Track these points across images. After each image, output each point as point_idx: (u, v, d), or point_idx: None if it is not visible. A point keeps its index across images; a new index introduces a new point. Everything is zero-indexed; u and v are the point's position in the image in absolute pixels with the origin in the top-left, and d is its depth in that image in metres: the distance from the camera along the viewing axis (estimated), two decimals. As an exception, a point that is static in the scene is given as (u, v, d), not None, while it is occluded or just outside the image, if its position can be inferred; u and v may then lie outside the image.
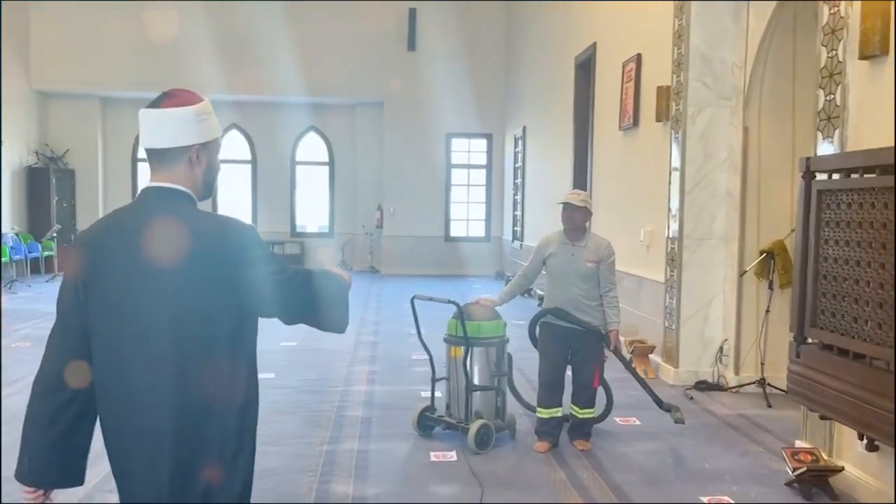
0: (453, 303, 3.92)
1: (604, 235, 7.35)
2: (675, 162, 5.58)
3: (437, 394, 4.24)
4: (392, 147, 13.44)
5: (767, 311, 5.10)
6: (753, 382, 5.12)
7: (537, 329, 4.10)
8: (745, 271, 5.13)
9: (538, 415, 4.05)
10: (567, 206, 3.96)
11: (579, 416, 4.04)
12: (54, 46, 12.68)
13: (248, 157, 14.19)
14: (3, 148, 11.32)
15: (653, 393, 3.99)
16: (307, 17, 12.84)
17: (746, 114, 5.21)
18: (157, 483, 1.57)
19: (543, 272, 4.15)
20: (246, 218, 14.00)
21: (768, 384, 5.05)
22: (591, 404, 4.05)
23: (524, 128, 11.59)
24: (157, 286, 1.57)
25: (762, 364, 5.11)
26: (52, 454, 1.60)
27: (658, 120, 5.86)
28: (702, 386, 5.31)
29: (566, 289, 3.95)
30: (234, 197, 14.12)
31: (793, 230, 5.06)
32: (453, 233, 13.75)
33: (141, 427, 1.57)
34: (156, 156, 1.67)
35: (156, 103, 1.67)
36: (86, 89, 12.95)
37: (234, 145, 14.12)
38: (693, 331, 5.52)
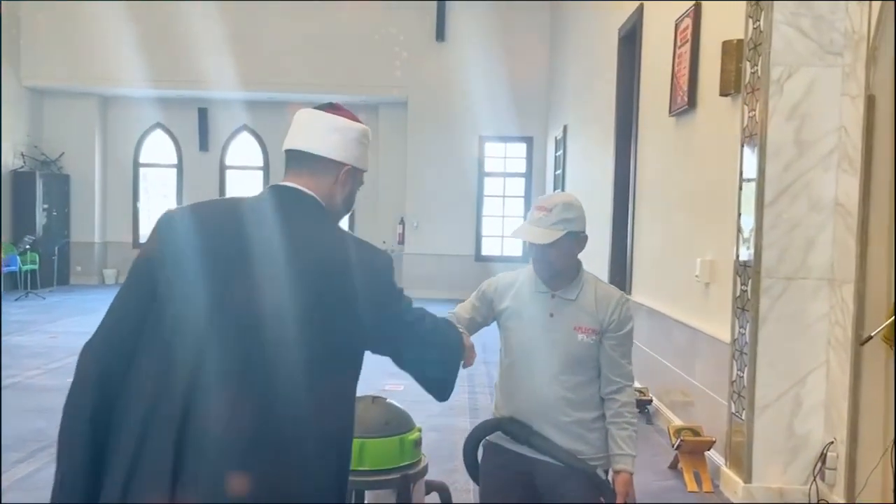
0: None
1: (645, 265, 5.43)
2: (750, 156, 3.58)
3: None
4: (416, 152, 11.68)
5: (908, 403, 3.04)
6: (881, 522, 3.07)
7: (479, 452, 2.20)
8: (870, 336, 3.07)
9: None
10: (531, 242, 2.04)
11: None
12: (48, 38, 11.48)
13: (260, 162, 12.69)
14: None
15: None
16: (322, 2, 11.27)
17: (872, 75, 3.19)
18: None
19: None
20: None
21: (908, 528, 2.99)
22: None
23: (565, 127, 9.64)
24: (267, 295, 1.35)
25: (897, 493, 3.05)
26: None
27: (724, 93, 3.87)
28: (790, 518, 3.29)
29: (536, 381, 2.04)
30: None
31: (956, 269, 3.00)
32: (485, 251, 11.83)
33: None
34: (302, 162, 1.50)
35: (318, 107, 1.54)
36: (83, 86, 11.70)
37: (244, 150, 12.70)
38: (776, 423, 3.48)
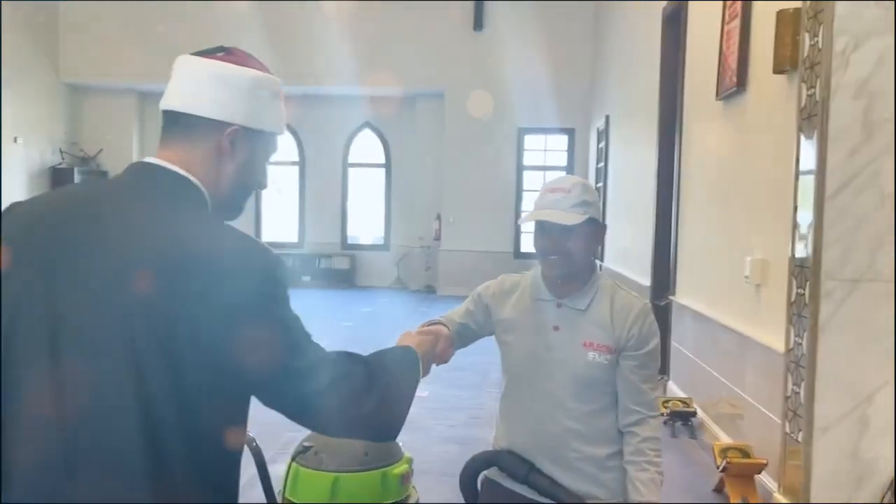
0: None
1: (690, 263, 5.00)
2: (809, 141, 3.13)
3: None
4: (453, 145, 11.36)
5: None
6: (966, 569, 2.61)
7: (478, 485, 1.85)
8: (954, 351, 2.61)
9: None
10: (545, 230, 1.71)
11: None
12: (86, 35, 11.51)
13: (296, 157, 12.54)
14: (17, 144, 10.31)
15: None
16: (358, -6, 11.03)
17: (956, 43, 2.72)
18: None
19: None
20: (292, 228, 12.41)
21: None
22: None
23: (607, 118, 9.19)
24: (107, 306, 1.01)
25: None
26: None
27: (779, 70, 3.42)
28: (855, 558, 2.85)
29: (537, 409, 1.70)
30: (278, 203, 12.54)
31: None
32: (524, 248, 11.44)
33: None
34: (175, 127, 1.16)
35: (204, 53, 1.17)
36: (122, 82, 11.72)
37: (280, 144, 12.52)
38: (838, 447, 3.03)
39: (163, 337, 1.00)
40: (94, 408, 0.99)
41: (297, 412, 1.12)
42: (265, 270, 1.07)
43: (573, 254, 1.68)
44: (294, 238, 12.51)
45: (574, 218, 1.63)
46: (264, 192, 10.08)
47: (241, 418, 1.11)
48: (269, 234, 12.50)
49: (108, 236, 1.05)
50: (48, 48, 11.24)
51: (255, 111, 1.17)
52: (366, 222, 12.68)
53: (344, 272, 12.23)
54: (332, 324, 8.46)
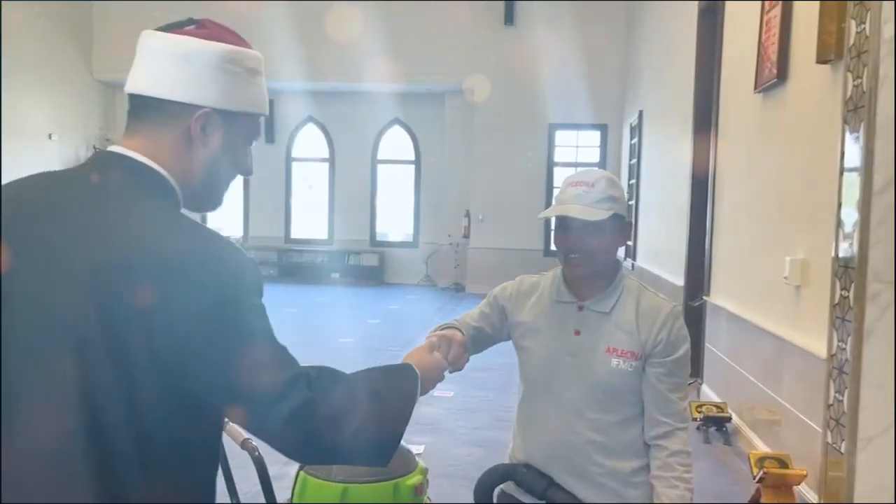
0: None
1: (726, 263, 4.81)
2: (854, 135, 2.95)
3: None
4: (483, 141, 11.24)
5: None
6: None
7: (493, 500, 1.74)
8: None
9: None
10: (566, 226, 1.60)
11: None
12: (119, 32, 11.61)
13: (326, 154, 12.53)
14: (52, 141, 10.50)
15: None
16: (387, -12, 10.96)
17: None
18: None
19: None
20: (321, 224, 12.41)
21: None
22: None
23: (640, 113, 8.98)
24: (57, 307, 0.92)
25: None
26: None
27: (822, 60, 3.24)
28: (902, 578, 2.67)
29: (557, 419, 1.58)
30: (308, 200, 12.56)
31: None
32: (554, 246, 11.26)
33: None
34: (141, 112, 1.05)
35: (171, 27, 1.06)
36: (153, 80, 11.82)
37: (310, 141, 12.56)
38: (884, 459, 2.83)
39: (114, 339, 0.91)
40: (40, 410, 0.92)
41: (267, 437, 1.00)
42: (231, 274, 0.96)
43: (596, 252, 1.57)
44: (324, 235, 12.51)
45: (598, 214, 1.53)
46: (295, 189, 10.07)
47: (210, 428, 1.01)
48: (298, 231, 12.54)
49: (63, 233, 0.97)
50: (82, 46, 11.40)
51: (228, 91, 1.05)
52: (395, 219, 12.63)
53: (372, 269, 12.20)
54: (360, 321, 8.40)
